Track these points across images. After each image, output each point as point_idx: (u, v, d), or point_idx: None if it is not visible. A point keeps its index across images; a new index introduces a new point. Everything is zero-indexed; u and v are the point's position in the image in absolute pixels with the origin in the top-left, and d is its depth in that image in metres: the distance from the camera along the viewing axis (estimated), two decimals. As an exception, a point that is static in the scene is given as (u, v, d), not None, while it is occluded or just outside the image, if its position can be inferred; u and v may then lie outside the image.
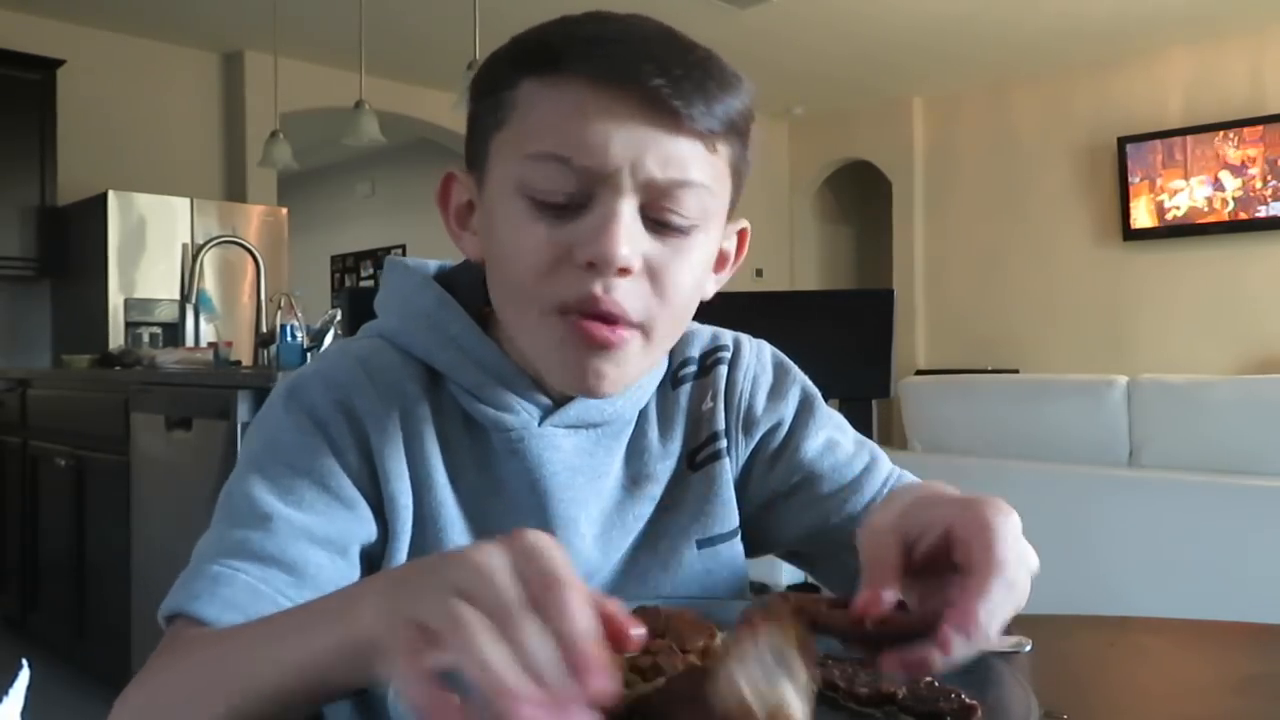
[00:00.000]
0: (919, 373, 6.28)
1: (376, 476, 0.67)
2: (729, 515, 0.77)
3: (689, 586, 0.74)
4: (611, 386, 0.66)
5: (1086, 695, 0.60)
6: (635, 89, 0.60)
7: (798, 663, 0.44)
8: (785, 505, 0.79)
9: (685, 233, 0.64)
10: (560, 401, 0.71)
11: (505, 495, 0.70)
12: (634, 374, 0.67)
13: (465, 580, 0.41)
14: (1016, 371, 6.29)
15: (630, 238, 0.61)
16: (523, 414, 0.70)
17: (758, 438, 0.79)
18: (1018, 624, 0.67)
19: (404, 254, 8.60)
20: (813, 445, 0.78)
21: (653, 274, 0.63)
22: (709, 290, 0.72)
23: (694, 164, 0.63)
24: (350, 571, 0.65)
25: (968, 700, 0.50)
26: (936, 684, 0.52)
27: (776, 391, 0.80)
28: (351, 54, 4.47)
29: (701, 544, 0.75)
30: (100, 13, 5.19)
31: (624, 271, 0.61)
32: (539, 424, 0.70)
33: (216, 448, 2.46)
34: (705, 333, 0.81)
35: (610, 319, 0.62)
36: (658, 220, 0.63)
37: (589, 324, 0.62)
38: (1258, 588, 2.84)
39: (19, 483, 3.66)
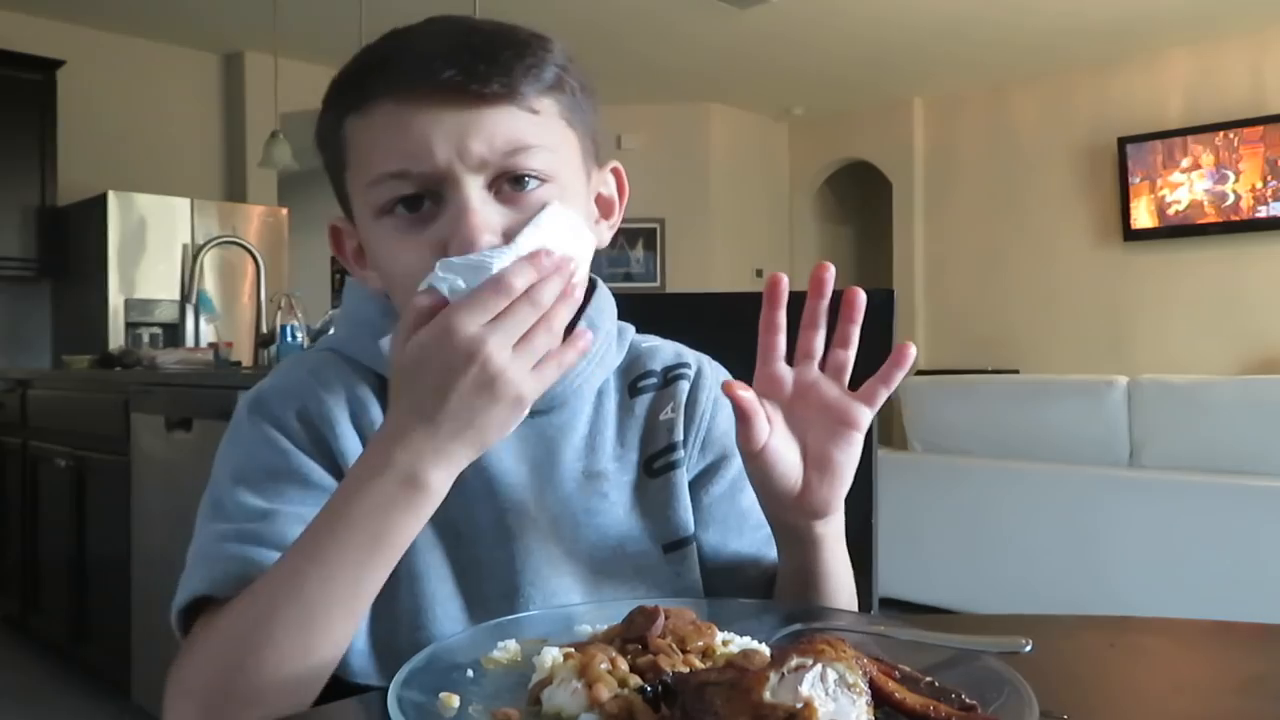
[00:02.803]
0: (919, 373, 6.28)
1: (341, 475, 0.70)
2: (688, 521, 0.79)
3: (663, 589, 0.75)
4: None
5: (1086, 695, 0.60)
6: (432, 88, 0.65)
7: (860, 689, 0.45)
8: (706, 533, 0.80)
9: (539, 186, 0.67)
10: None
11: (459, 484, 0.70)
12: None
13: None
14: (1016, 371, 6.30)
15: (486, 220, 0.65)
16: None
17: (709, 460, 0.82)
18: (1018, 624, 0.67)
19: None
20: (750, 491, 0.78)
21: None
22: (603, 236, 0.76)
23: (517, 129, 0.66)
24: None
25: (967, 700, 0.50)
26: (937, 684, 0.52)
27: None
28: (351, 54, 4.47)
29: (667, 549, 0.77)
30: (100, 13, 5.19)
31: (485, 238, 0.65)
32: None
33: (216, 448, 2.46)
34: (669, 349, 0.84)
35: None
36: (510, 187, 0.67)
37: None
38: (1258, 587, 2.84)
39: (19, 483, 3.66)
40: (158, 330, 4.74)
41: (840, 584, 0.75)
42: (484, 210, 0.65)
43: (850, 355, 0.68)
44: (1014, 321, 6.66)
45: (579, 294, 0.65)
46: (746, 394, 0.66)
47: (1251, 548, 2.90)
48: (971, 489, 3.52)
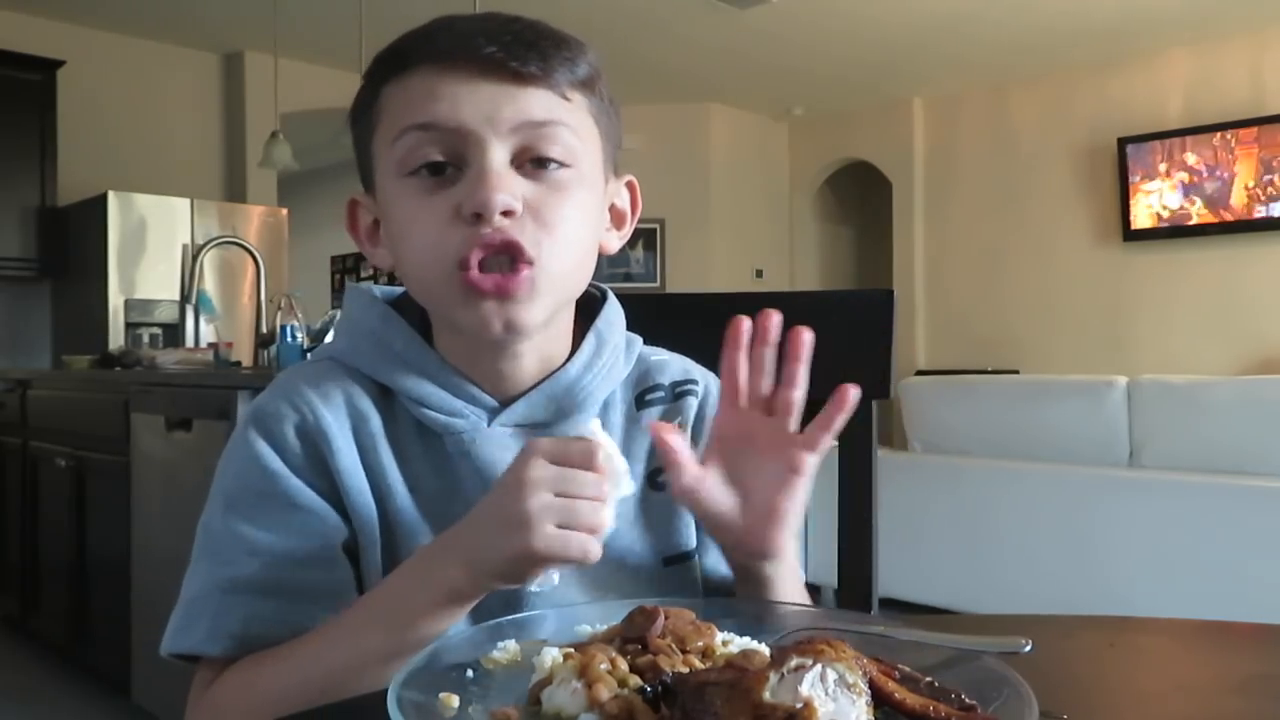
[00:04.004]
0: (919, 373, 6.28)
1: (338, 490, 0.70)
2: (690, 536, 0.79)
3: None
4: (522, 321, 0.69)
5: (1086, 695, 0.60)
6: (474, 60, 0.67)
7: (860, 689, 0.45)
8: (705, 556, 0.80)
9: (561, 170, 0.69)
10: (506, 402, 0.74)
11: (462, 498, 0.71)
12: (540, 313, 0.70)
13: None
14: (1016, 372, 6.30)
15: (505, 183, 0.66)
16: (471, 416, 0.73)
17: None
18: (1018, 624, 0.67)
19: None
20: None
21: (535, 212, 0.67)
22: (611, 244, 0.78)
23: (550, 108, 0.68)
24: (344, 575, 0.69)
25: (967, 700, 0.50)
26: (936, 684, 0.52)
27: None
28: (351, 54, 4.47)
29: (668, 561, 0.77)
30: (100, 13, 5.19)
31: (507, 214, 0.66)
32: (488, 425, 0.73)
33: (216, 448, 2.45)
34: (677, 364, 0.84)
35: (506, 250, 0.66)
36: (533, 161, 0.68)
37: (480, 278, 0.66)
38: (1258, 588, 2.84)
39: (19, 483, 3.66)
40: (158, 330, 4.74)
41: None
42: (505, 175, 0.66)
43: (798, 395, 0.68)
44: (1014, 321, 6.66)
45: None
46: (670, 438, 0.68)
47: (1251, 548, 2.90)
48: (971, 489, 3.52)
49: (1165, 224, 6.01)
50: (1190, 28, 5.64)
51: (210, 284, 4.87)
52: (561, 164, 0.69)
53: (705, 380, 0.83)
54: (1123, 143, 6.09)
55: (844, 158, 7.57)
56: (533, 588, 0.62)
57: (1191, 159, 5.89)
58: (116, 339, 4.59)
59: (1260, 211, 5.71)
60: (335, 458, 0.70)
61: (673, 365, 0.83)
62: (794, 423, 0.68)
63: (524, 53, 0.67)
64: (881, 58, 6.15)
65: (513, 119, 0.67)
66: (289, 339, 2.96)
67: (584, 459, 0.59)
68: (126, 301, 4.72)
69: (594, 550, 0.59)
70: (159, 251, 4.84)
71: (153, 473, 2.80)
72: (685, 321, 0.81)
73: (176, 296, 4.81)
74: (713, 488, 0.69)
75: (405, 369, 0.73)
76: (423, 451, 0.73)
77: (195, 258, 3.53)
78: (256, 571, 0.67)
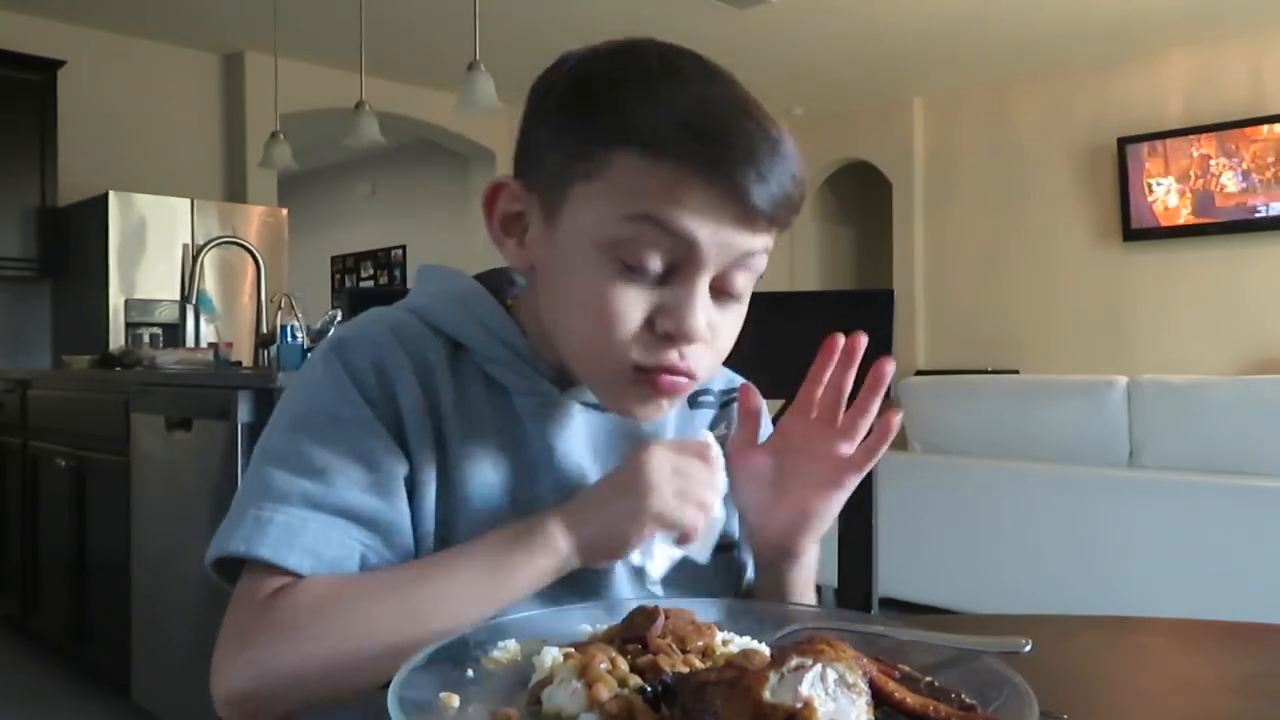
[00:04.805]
0: (919, 373, 6.28)
1: (404, 432, 0.71)
2: (734, 525, 0.81)
3: (699, 587, 0.76)
4: (660, 417, 0.75)
5: (1086, 695, 0.60)
6: (733, 188, 0.65)
7: (860, 689, 0.45)
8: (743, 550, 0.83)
9: (732, 306, 0.71)
10: (576, 383, 0.76)
11: (524, 455, 0.74)
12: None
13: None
14: (1016, 372, 6.30)
15: (708, 314, 0.68)
16: (543, 383, 0.75)
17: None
18: (1018, 624, 0.67)
19: (404, 255, 8.60)
20: None
21: (713, 338, 0.70)
22: None
23: (762, 245, 0.69)
24: (402, 508, 0.70)
25: (967, 700, 0.50)
26: (936, 684, 0.52)
27: None
28: (351, 54, 4.47)
29: (716, 550, 0.78)
30: (100, 13, 5.19)
31: (699, 342, 0.68)
32: (560, 394, 0.76)
33: (216, 448, 2.46)
34: (723, 373, 0.86)
35: (683, 377, 0.69)
36: (722, 291, 0.70)
37: (663, 379, 0.69)
38: (1258, 588, 2.84)
39: (19, 483, 3.66)
40: (158, 330, 4.74)
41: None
42: (708, 305, 0.68)
43: (864, 423, 0.73)
44: (1014, 321, 6.66)
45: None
46: (756, 406, 0.75)
47: (1251, 548, 2.90)
48: (971, 489, 3.52)
49: (1175, 221, 6.00)
50: (1190, 28, 5.64)
51: (210, 284, 4.87)
52: (738, 299, 0.71)
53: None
54: (1123, 142, 6.09)
55: (844, 158, 7.57)
56: (634, 558, 0.69)
57: (1191, 159, 5.89)
58: (116, 339, 4.59)
59: (1260, 211, 5.71)
60: (403, 398, 0.71)
61: (719, 373, 0.86)
62: (852, 447, 0.73)
63: (776, 197, 0.66)
64: (881, 58, 6.14)
65: (731, 253, 0.67)
66: (289, 339, 2.96)
67: (700, 452, 0.69)
68: (127, 301, 4.73)
69: (701, 523, 0.68)
70: (159, 251, 4.84)
71: (153, 473, 2.80)
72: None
73: (176, 296, 4.81)
74: (759, 472, 0.74)
75: (486, 334, 0.74)
76: (490, 409, 0.74)
77: (195, 258, 3.53)
78: (322, 489, 0.67)
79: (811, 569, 0.78)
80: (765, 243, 0.69)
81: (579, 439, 0.76)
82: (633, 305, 0.67)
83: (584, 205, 0.68)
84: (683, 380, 0.69)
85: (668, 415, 0.80)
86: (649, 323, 0.67)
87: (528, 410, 0.74)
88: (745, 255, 0.68)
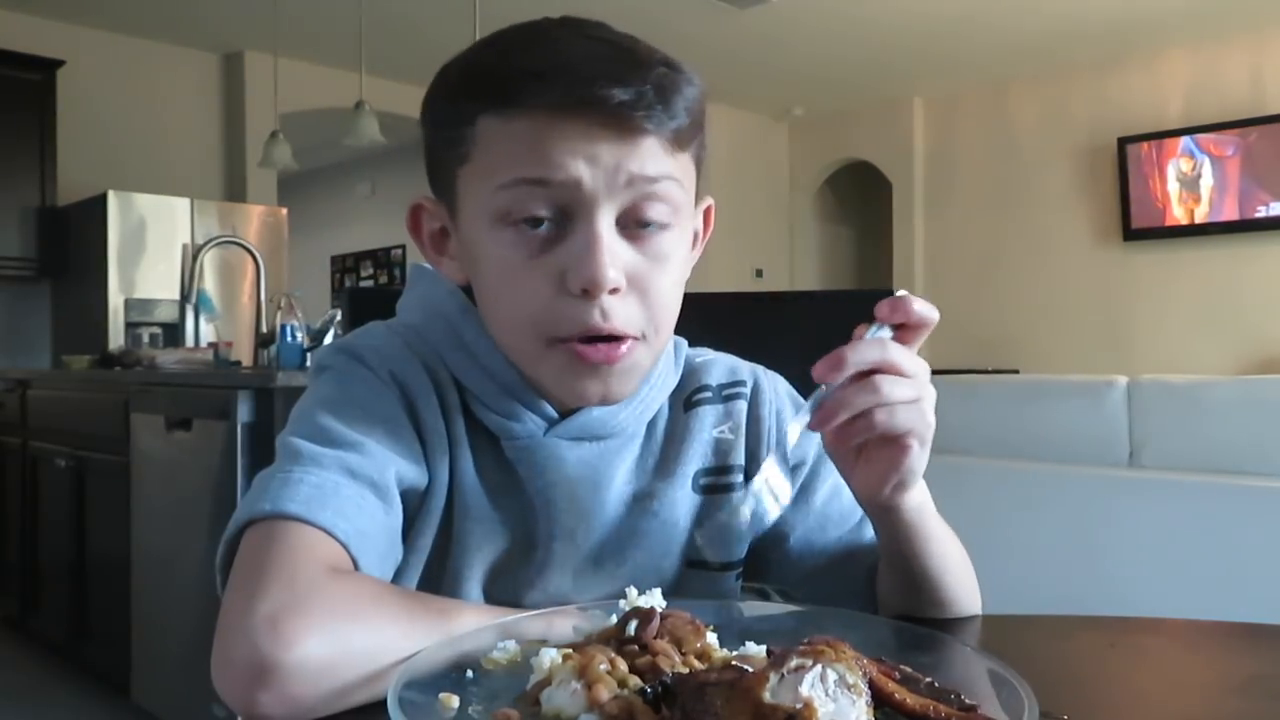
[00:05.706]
0: (919, 373, 6.27)
1: (421, 441, 0.69)
2: (729, 548, 0.77)
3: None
4: (619, 394, 0.69)
5: (1086, 695, 0.60)
6: (597, 110, 0.61)
7: (860, 690, 0.45)
8: (789, 545, 0.79)
9: (661, 233, 0.66)
10: (565, 413, 0.72)
11: (518, 495, 0.71)
12: (639, 374, 0.70)
13: None
14: (1016, 371, 6.29)
15: (613, 257, 0.63)
16: (529, 424, 0.71)
17: (793, 470, 0.79)
18: (1019, 623, 0.67)
19: (403, 255, 8.60)
20: (824, 489, 0.79)
21: (639, 285, 0.65)
22: (686, 270, 0.74)
23: (662, 163, 0.64)
24: (398, 513, 0.66)
25: (967, 701, 0.50)
26: (936, 685, 0.52)
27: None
28: (351, 54, 4.47)
29: (693, 564, 0.76)
30: (100, 13, 5.19)
31: (614, 291, 0.63)
32: (544, 434, 0.71)
33: (216, 448, 2.46)
34: (723, 364, 0.82)
35: (612, 339, 0.65)
36: (637, 224, 0.65)
37: (589, 349, 0.65)
38: (1258, 588, 2.84)
39: (19, 483, 3.66)
40: (158, 330, 4.74)
41: (945, 567, 0.72)
42: (613, 246, 0.63)
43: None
44: (1014, 321, 6.66)
45: None
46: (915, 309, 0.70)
47: (1251, 548, 2.90)
48: (971, 489, 3.51)
49: (1175, 221, 6.00)
50: (1190, 28, 5.64)
51: (210, 284, 4.87)
52: (662, 224, 0.66)
53: (753, 376, 0.81)
54: (1123, 142, 6.09)
55: (844, 158, 7.57)
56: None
57: (1191, 159, 5.89)
58: (116, 339, 4.59)
59: (1260, 211, 5.71)
60: (422, 412, 0.69)
61: (718, 365, 0.81)
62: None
63: (653, 103, 0.62)
64: (881, 58, 6.14)
65: (625, 181, 0.63)
66: (289, 339, 2.96)
67: None
68: (126, 301, 4.72)
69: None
70: (159, 251, 4.84)
71: (153, 473, 2.80)
72: (685, 321, 0.81)
73: (176, 296, 4.81)
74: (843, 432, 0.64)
75: (472, 363, 0.71)
76: (489, 442, 0.72)
77: (195, 257, 3.53)
78: (358, 459, 0.63)
79: (918, 520, 0.68)
80: (660, 162, 0.64)
81: (562, 484, 0.71)
82: (538, 272, 0.64)
83: (469, 188, 0.67)
84: (613, 345, 0.64)
85: (661, 421, 0.77)
86: (562, 288, 0.63)
87: (514, 454, 0.71)
88: (642, 180, 0.63)
